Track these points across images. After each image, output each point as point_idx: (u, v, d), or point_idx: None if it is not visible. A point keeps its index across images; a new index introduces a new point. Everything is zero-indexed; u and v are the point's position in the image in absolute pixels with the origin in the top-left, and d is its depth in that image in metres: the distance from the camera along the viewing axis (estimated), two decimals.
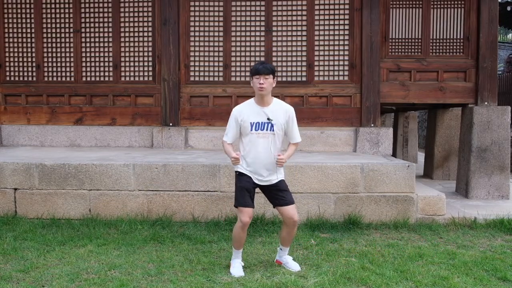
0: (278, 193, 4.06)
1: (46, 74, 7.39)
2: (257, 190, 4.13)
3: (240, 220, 3.97)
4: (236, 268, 4.06)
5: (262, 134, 3.96)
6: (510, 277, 3.96)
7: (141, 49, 7.27)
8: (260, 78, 3.90)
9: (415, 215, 5.64)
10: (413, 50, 6.99)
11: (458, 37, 6.97)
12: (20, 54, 7.41)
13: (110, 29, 7.27)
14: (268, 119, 3.96)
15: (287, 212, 4.00)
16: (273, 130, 3.98)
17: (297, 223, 4.11)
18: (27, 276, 3.92)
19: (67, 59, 7.35)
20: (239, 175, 4.05)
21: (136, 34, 7.26)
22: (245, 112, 3.99)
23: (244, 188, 3.99)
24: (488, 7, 6.80)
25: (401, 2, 6.97)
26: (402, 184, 5.62)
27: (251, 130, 3.96)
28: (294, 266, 4.14)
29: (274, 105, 4.03)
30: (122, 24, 7.26)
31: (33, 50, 7.38)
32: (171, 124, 7.17)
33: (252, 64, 6.86)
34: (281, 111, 4.02)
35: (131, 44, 7.27)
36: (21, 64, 7.42)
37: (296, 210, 4.10)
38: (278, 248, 4.27)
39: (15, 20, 7.38)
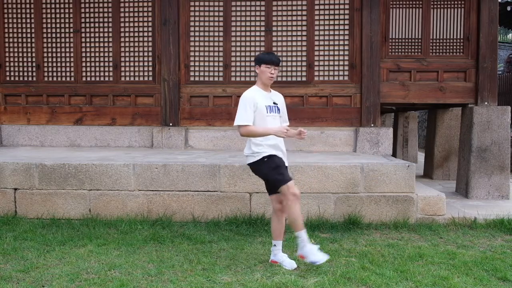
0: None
1: (46, 74, 7.39)
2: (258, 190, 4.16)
3: (294, 194, 3.98)
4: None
5: (273, 116, 4.21)
6: (510, 277, 3.96)
7: (141, 49, 7.27)
8: (271, 68, 4.17)
9: (415, 215, 5.64)
10: (413, 50, 6.99)
11: (458, 37, 6.97)
12: (20, 54, 7.41)
13: (110, 29, 7.27)
14: (274, 102, 4.24)
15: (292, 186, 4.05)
16: (279, 112, 4.27)
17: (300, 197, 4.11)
18: (27, 276, 3.92)
19: (67, 59, 7.35)
20: (269, 158, 4.09)
21: (136, 34, 7.26)
22: (257, 97, 4.18)
23: (281, 166, 4.10)
24: (488, 7, 6.80)
25: (401, 2, 6.97)
26: (402, 184, 5.62)
27: (267, 112, 4.17)
28: (290, 264, 4.14)
29: (273, 92, 4.37)
30: (122, 24, 7.26)
31: (33, 50, 7.38)
32: (171, 124, 7.17)
33: (252, 64, 6.86)
34: (279, 96, 4.38)
35: (131, 44, 7.27)
36: (21, 64, 7.42)
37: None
38: (272, 246, 4.30)
39: (15, 20, 7.38)
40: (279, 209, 4.19)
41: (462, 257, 4.45)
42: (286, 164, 4.24)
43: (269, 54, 4.27)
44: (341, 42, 7.05)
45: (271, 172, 4.09)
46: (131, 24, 7.26)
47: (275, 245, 4.28)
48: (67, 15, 7.31)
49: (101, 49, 7.31)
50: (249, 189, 5.63)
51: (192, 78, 7.22)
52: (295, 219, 4.03)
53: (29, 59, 7.40)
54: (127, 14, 7.25)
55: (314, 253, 4.01)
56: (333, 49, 7.06)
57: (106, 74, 7.32)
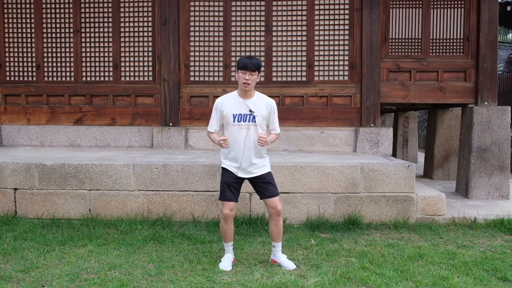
0: (263, 185, 4.18)
1: (46, 74, 7.39)
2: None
3: (222, 212, 4.19)
4: (224, 261, 4.19)
5: (244, 125, 4.06)
6: (510, 277, 3.96)
7: (141, 49, 7.27)
8: (246, 73, 3.99)
9: (415, 215, 5.63)
10: (413, 50, 6.99)
11: (458, 37, 6.97)
12: (20, 54, 7.41)
13: (110, 29, 7.27)
14: (250, 111, 4.05)
15: (271, 203, 4.16)
16: (254, 122, 4.06)
17: (281, 214, 4.23)
18: (27, 276, 3.92)
19: (67, 59, 7.35)
20: (223, 171, 4.23)
21: (136, 34, 7.26)
22: (227, 103, 4.10)
23: (225, 183, 4.16)
24: (488, 7, 6.80)
25: (401, 2, 6.97)
26: (402, 184, 5.62)
27: (233, 121, 4.07)
28: (289, 265, 4.16)
29: (256, 98, 4.12)
30: (122, 24, 7.26)
31: (33, 50, 7.38)
32: (171, 124, 7.17)
33: None
34: (263, 104, 4.11)
35: (131, 44, 7.27)
36: (21, 64, 7.42)
37: (280, 202, 4.24)
38: (272, 246, 4.33)
39: (15, 20, 7.38)
40: (273, 213, 4.20)
41: (462, 257, 4.45)
42: (248, 176, 4.14)
43: (247, 58, 4.02)
44: (341, 42, 7.05)
45: (221, 183, 4.25)
46: (131, 24, 7.25)
47: (274, 246, 4.31)
48: (67, 15, 7.31)
49: (101, 49, 7.31)
50: (249, 189, 5.58)
51: (192, 78, 7.22)
52: (220, 231, 4.29)
53: (29, 59, 7.40)
54: (127, 14, 7.25)
55: (222, 261, 4.21)
56: (333, 49, 7.06)
57: (106, 74, 7.32)
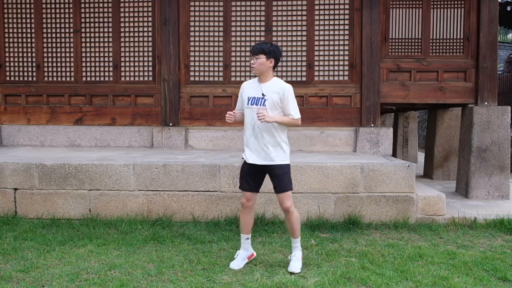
0: (273, 179, 4.15)
1: (46, 74, 7.39)
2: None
3: (241, 203, 4.25)
4: (235, 259, 4.21)
5: (251, 108, 4.08)
6: (510, 277, 3.96)
7: (141, 49, 7.27)
8: (252, 58, 4.09)
9: (415, 215, 5.64)
10: (413, 50, 6.99)
11: (458, 37, 6.97)
12: (20, 54, 7.41)
13: (110, 29, 7.27)
14: (263, 94, 4.05)
15: (278, 199, 4.18)
16: (264, 105, 4.02)
17: (291, 210, 4.13)
18: (27, 276, 3.92)
19: (67, 59, 7.35)
20: (243, 159, 4.23)
21: (136, 34, 7.26)
22: (246, 86, 4.22)
23: (241, 172, 4.23)
24: (488, 7, 6.80)
25: (401, 2, 6.97)
26: (402, 184, 5.62)
27: (247, 104, 4.11)
28: (292, 267, 4.09)
29: (272, 82, 4.10)
30: (122, 24, 7.26)
31: (33, 50, 7.38)
32: (171, 124, 7.17)
33: None
34: (277, 88, 4.06)
35: (131, 44, 7.27)
36: (21, 64, 7.42)
37: (288, 199, 4.12)
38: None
39: (15, 20, 7.38)
40: (282, 210, 4.20)
41: (462, 257, 4.45)
42: (256, 163, 4.06)
43: (256, 44, 4.19)
44: (341, 42, 7.05)
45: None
46: (131, 24, 7.25)
47: (292, 241, 4.25)
48: (67, 15, 7.31)
49: (101, 49, 7.31)
50: None
51: (192, 78, 7.22)
52: (241, 223, 4.30)
53: (29, 59, 7.40)
54: (127, 14, 7.25)
55: (234, 258, 4.25)
56: (333, 49, 7.06)
57: (106, 74, 7.32)
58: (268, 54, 4.03)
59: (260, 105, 4.02)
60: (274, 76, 4.16)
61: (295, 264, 4.10)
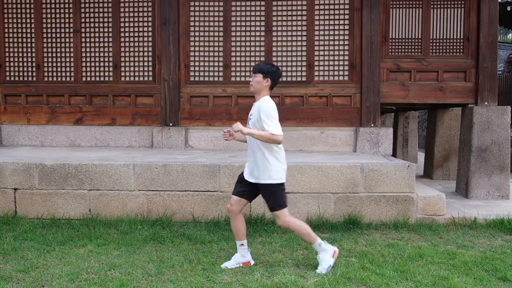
0: (262, 196, 4.14)
1: (46, 74, 7.39)
2: None
3: (227, 208, 4.27)
4: (229, 260, 4.23)
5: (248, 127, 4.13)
6: (510, 277, 3.96)
7: (141, 49, 7.27)
8: (251, 75, 4.12)
9: (415, 215, 5.63)
10: (413, 50, 6.99)
11: (458, 37, 6.97)
12: (20, 54, 7.41)
13: (110, 29, 7.27)
14: (251, 114, 4.12)
15: (274, 216, 4.17)
16: (249, 124, 4.09)
17: (287, 226, 4.08)
18: (27, 276, 3.92)
19: (67, 59, 7.35)
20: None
21: (136, 34, 7.26)
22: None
23: (238, 178, 4.29)
24: (488, 7, 6.80)
25: (401, 2, 6.97)
26: (402, 184, 5.62)
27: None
28: (320, 267, 4.07)
29: (259, 102, 4.04)
30: (122, 24, 7.26)
31: (33, 50, 7.38)
32: (171, 124, 7.17)
33: (252, 64, 6.87)
34: (257, 106, 4.02)
35: (131, 44, 7.27)
36: (21, 64, 7.42)
37: (278, 217, 4.04)
38: None
39: (15, 20, 7.38)
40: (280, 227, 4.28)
41: (462, 257, 4.45)
42: (250, 180, 4.07)
43: (258, 63, 4.26)
44: (341, 42, 7.05)
45: None
46: (131, 24, 7.25)
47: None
48: (67, 15, 7.31)
49: (101, 49, 7.31)
50: None
51: (192, 78, 7.22)
52: (234, 231, 4.25)
53: (29, 59, 7.40)
54: (127, 14, 7.25)
55: (225, 264, 4.23)
56: (333, 49, 7.06)
57: (106, 74, 7.32)
58: (266, 74, 4.02)
59: (248, 125, 4.09)
60: (266, 96, 4.05)
61: (319, 267, 4.10)
